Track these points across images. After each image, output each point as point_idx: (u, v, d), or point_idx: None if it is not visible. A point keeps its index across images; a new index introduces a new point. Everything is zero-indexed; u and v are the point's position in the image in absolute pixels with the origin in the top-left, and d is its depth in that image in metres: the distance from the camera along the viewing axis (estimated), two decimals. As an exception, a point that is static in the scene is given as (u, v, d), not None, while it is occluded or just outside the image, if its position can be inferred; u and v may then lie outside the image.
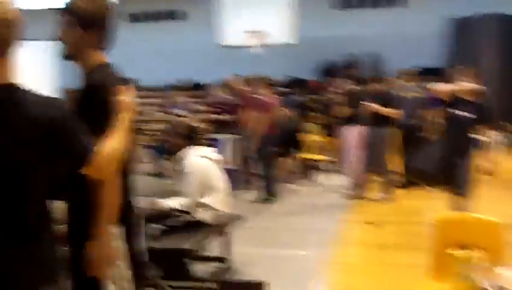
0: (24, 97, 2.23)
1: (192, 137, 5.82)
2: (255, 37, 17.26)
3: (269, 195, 9.99)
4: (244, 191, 10.78)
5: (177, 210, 5.58)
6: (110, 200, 2.54)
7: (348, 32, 22.58)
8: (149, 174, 13.36)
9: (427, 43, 21.98)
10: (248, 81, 12.06)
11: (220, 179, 5.77)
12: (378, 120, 9.62)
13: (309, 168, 12.38)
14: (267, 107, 9.98)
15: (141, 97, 23.28)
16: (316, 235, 7.73)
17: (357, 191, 9.99)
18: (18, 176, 2.18)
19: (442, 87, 6.99)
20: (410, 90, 10.96)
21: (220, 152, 10.07)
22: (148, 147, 14.84)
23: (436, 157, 7.17)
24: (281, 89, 22.46)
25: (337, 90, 19.44)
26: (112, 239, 2.65)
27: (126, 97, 2.75)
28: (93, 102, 2.77)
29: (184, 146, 5.74)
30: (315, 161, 12.39)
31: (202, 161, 5.65)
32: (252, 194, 10.37)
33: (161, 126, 15.42)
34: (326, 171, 12.47)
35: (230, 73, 23.77)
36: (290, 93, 19.94)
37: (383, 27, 22.42)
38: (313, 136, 13.35)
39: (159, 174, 13.27)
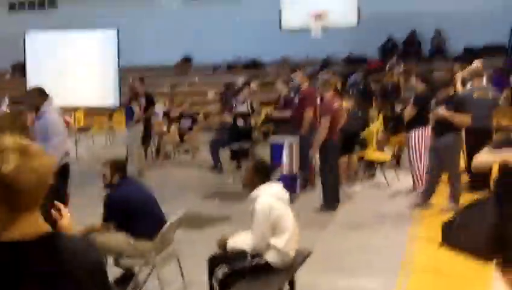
0: (65, 245, 2.17)
1: (266, 174, 5.67)
2: (315, 19, 16.84)
3: (331, 203, 9.72)
4: (304, 195, 10.61)
5: (246, 253, 5.46)
6: None
7: (409, 8, 21.99)
8: (208, 169, 13.26)
9: (491, 19, 21.29)
10: (310, 77, 11.85)
11: (290, 220, 5.61)
12: (447, 126, 9.23)
13: (373, 168, 12.03)
14: (330, 111, 9.65)
15: (197, 76, 23.49)
16: (382, 257, 7.46)
17: (424, 198, 9.65)
18: None
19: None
20: (478, 90, 10.52)
21: (280, 156, 10.01)
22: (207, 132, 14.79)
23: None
24: (341, 68, 22.26)
25: (400, 72, 19.10)
26: None
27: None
28: None
29: (258, 184, 5.58)
30: (379, 160, 12.00)
31: (274, 201, 5.49)
32: (312, 199, 10.17)
33: (218, 113, 15.30)
34: (391, 169, 12.05)
35: (289, 52, 23.70)
36: (351, 73, 19.58)
37: (445, 3, 21.78)
38: (376, 129, 13.01)
39: (217, 168, 13.15)
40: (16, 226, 2.07)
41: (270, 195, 5.53)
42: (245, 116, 11.83)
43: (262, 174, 5.67)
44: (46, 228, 2.16)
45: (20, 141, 2.09)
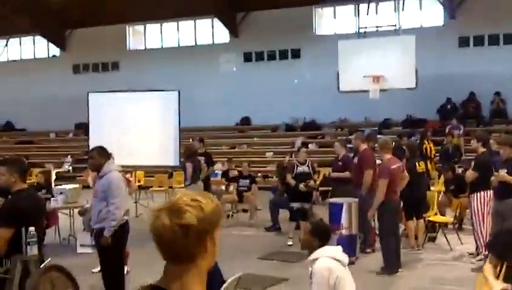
0: None
1: (325, 236, 5.64)
2: (373, 82, 16.83)
3: (391, 267, 9.51)
4: (364, 257, 10.44)
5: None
6: None
7: (468, 70, 21.82)
8: (266, 229, 13.23)
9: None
10: (369, 139, 11.85)
11: (350, 283, 5.52)
12: (510, 189, 9.02)
13: (435, 231, 11.76)
14: (387, 173, 9.55)
15: (256, 136, 23.74)
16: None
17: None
18: None
19: None
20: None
21: (339, 217, 9.91)
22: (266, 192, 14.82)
23: None
24: (400, 129, 22.15)
25: (460, 134, 18.93)
26: None
27: None
28: None
29: (317, 245, 5.54)
30: (442, 222, 11.75)
31: (333, 264, 5.43)
32: (372, 262, 9.99)
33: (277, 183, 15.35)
34: (453, 232, 11.74)
35: (346, 114, 23.75)
36: (410, 135, 19.49)
37: (504, 64, 21.57)
38: (438, 192, 12.82)
39: (275, 228, 13.13)
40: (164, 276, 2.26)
41: (329, 257, 5.48)
42: (305, 177, 11.83)
43: (321, 236, 5.63)
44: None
45: (175, 201, 2.26)
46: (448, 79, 21.85)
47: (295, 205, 11.75)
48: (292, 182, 11.81)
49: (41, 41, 30.30)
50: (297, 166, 12.00)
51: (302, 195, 11.73)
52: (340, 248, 5.76)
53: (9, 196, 6.07)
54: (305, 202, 11.74)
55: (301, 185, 11.64)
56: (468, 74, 21.70)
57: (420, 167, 11.31)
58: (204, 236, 2.23)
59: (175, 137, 15.88)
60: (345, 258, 5.63)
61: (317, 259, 5.47)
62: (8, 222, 5.58)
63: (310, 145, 21.64)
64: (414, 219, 11.03)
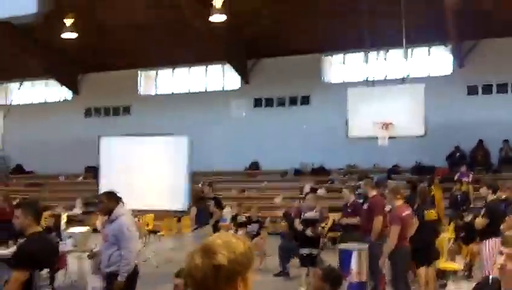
0: None
1: (336, 282, 5.69)
2: (382, 129, 16.89)
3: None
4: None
5: None
6: None
7: (476, 118, 21.94)
8: (275, 274, 13.18)
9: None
10: (379, 185, 11.88)
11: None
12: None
13: (445, 278, 11.71)
14: (399, 220, 9.57)
15: (265, 181, 23.69)
16: None
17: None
18: None
19: None
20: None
21: (349, 263, 9.88)
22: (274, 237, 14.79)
23: None
24: (408, 176, 22.13)
25: (469, 181, 18.95)
26: None
27: None
28: None
29: None
30: (451, 270, 11.71)
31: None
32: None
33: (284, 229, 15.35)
34: (463, 279, 11.70)
35: (355, 160, 23.81)
36: (420, 182, 19.46)
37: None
38: (448, 239, 12.78)
39: (284, 274, 13.09)
40: None
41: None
42: (313, 222, 11.83)
43: (332, 281, 5.66)
44: None
45: (208, 242, 2.31)
46: (457, 127, 21.96)
47: (304, 251, 11.72)
48: (299, 227, 11.81)
49: (53, 85, 30.62)
50: (304, 212, 12.01)
51: (310, 241, 11.71)
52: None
53: (22, 239, 6.10)
54: (314, 248, 11.72)
55: (308, 231, 11.64)
56: (477, 122, 21.80)
57: (430, 213, 11.30)
58: (236, 277, 2.25)
59: (184, 181, 15.95)
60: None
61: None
62: (23, 265, 5.60)
63: (318, 191, 21.64)
64: (425, 266, 10.99)
